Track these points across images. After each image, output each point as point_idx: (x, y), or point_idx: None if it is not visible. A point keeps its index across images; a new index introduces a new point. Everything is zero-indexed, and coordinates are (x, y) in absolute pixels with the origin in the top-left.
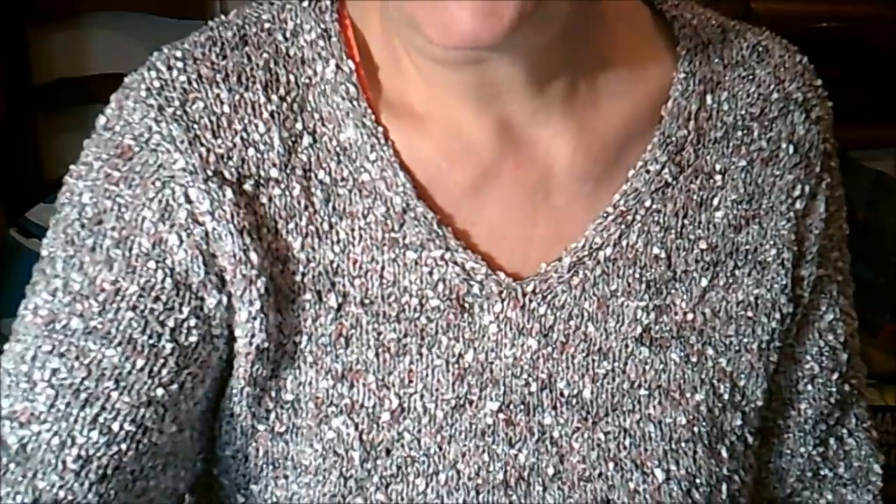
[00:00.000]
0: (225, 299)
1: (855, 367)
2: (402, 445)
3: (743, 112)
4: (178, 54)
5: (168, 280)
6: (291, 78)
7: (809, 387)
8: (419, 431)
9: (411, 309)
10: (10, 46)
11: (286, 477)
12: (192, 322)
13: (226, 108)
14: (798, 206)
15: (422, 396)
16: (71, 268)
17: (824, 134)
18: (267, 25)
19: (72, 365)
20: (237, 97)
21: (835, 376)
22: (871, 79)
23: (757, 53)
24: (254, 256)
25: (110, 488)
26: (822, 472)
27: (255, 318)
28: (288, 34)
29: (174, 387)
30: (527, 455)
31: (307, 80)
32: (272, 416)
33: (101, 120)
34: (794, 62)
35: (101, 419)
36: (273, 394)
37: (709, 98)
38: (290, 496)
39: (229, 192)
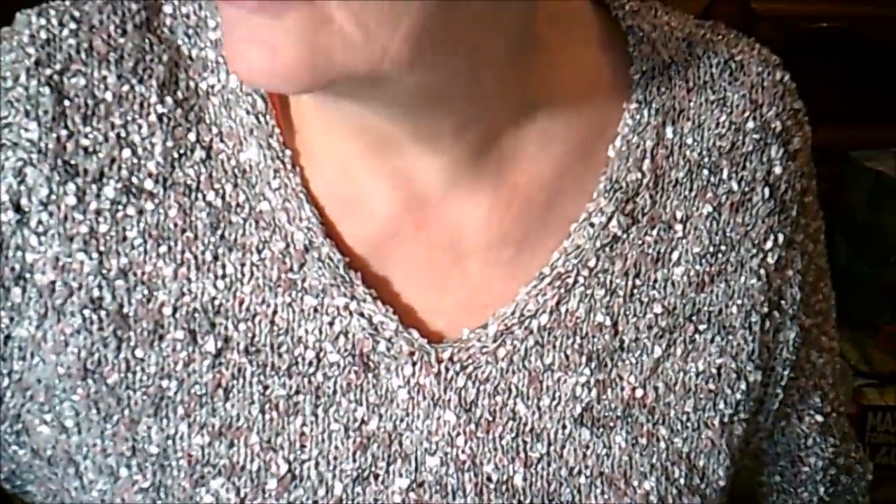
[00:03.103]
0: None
1: (844, 395)
2: None
3: (710, 145)
4: (76, 14)
5: None
6: (191, 84)
7: (817, 438)
8: None
9: (305, 363)
10: None
11: None
12: None
13: (108, 96)
14: (770, 260)
15: (317, 464)
16: None
17: (802, 168)
18: (169, 21)
19: None
20: (126, 87)
21: (834, 417)
22: (871, 79)
23: (729, 71)
24: (78, 267)
25: None
26: (825, 499)
27: (79, 333)
28: (190, 32)
29: None
30: None
31: (209, 88)
32: (133, 464)
33: None
34: (773, 81)
35: None
36: (129, 436)
37: (668, 131)
38: None
39: (72, 188)
